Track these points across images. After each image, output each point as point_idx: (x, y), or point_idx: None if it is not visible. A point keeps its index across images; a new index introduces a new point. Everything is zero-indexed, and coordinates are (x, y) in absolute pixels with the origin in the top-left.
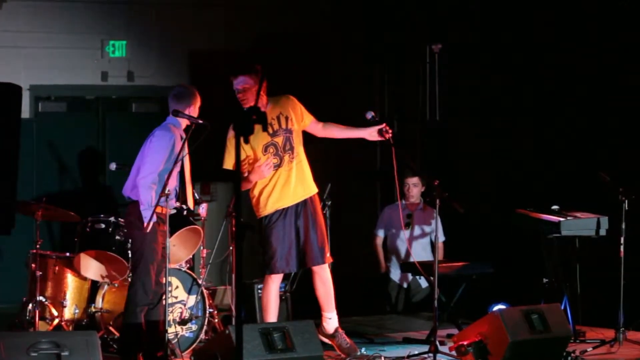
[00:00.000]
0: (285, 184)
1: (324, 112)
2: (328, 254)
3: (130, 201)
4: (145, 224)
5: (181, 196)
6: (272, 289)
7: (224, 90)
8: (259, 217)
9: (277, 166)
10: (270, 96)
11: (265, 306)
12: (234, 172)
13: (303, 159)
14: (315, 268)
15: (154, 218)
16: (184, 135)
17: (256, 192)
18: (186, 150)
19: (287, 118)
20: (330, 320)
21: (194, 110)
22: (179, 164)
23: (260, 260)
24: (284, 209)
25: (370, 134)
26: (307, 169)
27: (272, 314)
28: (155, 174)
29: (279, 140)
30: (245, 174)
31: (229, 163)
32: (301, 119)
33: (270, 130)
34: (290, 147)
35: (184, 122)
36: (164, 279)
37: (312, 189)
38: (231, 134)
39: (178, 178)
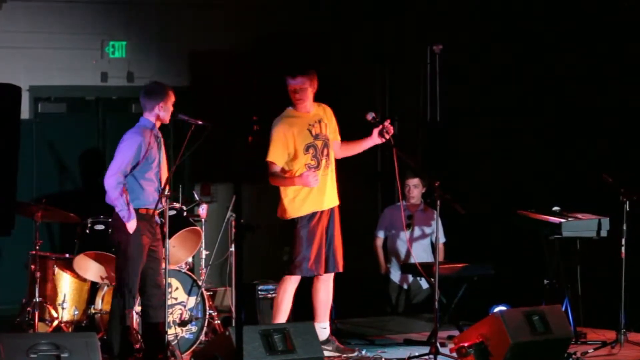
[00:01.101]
0: (321, 187)
1: None
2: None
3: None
4: (126, 224)
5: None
6: (290, 289)
7: (224, 91)
8: (289, 218)
9: (315, 168)
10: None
11: (280, 305)
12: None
13: (334, 169)
14: (326, 275)
15: (134, 215)
16: (159, 135)
17: (290, 192)
18: (163, 149)
19: (326, 125)
20: (325, 330)
21: (164, 107)
22: (155, 164)
23: (285, 260)
24: (317, 212)
25: (374, 138)
26: (335, 181)
27: (284, 314)
28: (118, 175)
29: (319, 143)
30: (288, 174)
31: (273, 155)
32: (334, 131)
33: (313, 132)
34: (327, 152)
35: (158, 122)
36: (164, 280)
37: (337, 199)
38: (279, 127)
39: (158, 178)
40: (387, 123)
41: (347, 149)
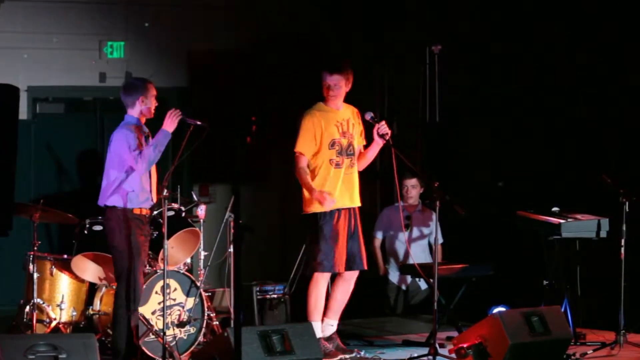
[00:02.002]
0: (345, 185)
1: None
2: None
3: (106, 208)
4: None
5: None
6: (320, 287)
7: (223, 91)
8: (310, 212)
9: (338, 166)
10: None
11: (310, 304)
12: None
13: (357, 170)
14: (347, 274)
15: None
16: (147, 131)
17: (316, 187)
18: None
19: (353, 126)
20: (331, 327)
21: (145, 101)
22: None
23: (310, 256)
24: (340, 209)
25: (376, 140)
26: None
27: (316, 313)
28: (138, 156)
29: (344, 142)
30: (309, 178)
31: (302, 146)
32: (359, 134)
33: (340, 130)
34: (352, 152)
35: (142, 118)
36: (163, 281)
37: (359, 200)
38: (308, 117)
39: (148, 175)
40: (382, 123)
41: (361, 160)
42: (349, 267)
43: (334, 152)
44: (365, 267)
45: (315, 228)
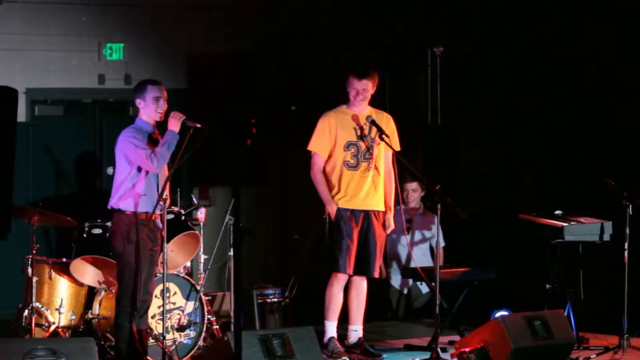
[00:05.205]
0: (357, 187)
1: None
2: (379, 269)
3: (114, 211)
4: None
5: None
6: (335, 287)
7: (222, 93)
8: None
9: (353, 167)
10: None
11: (326, 304)
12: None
13: (381, 177)
14: (356, 278)
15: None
16: (155, 134)
17: (330, 186)
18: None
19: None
20: (355, 333)
21: (143, 102)
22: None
23: (324, 257)
24: (352, 210)
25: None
26: (382, 187)
27: (330, 312)
28: (149, 155)
29: (363, 145)
30: (323, 187)
31: (314, 145)
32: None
33: (359, 133)
34: (371, 156)
35: (151, 120)
36: (162, 285)
37: (381, 206)
38: (324, 118)
39: (155, 180)
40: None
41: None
42: (358, 270)
43: (349, 154)
44: (376, 275)
45: (327, 226)
